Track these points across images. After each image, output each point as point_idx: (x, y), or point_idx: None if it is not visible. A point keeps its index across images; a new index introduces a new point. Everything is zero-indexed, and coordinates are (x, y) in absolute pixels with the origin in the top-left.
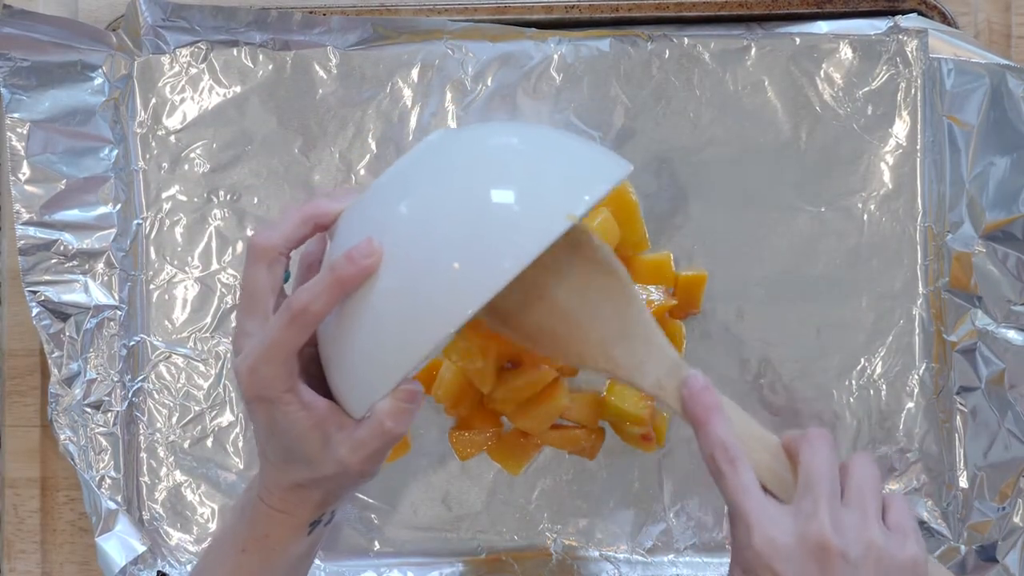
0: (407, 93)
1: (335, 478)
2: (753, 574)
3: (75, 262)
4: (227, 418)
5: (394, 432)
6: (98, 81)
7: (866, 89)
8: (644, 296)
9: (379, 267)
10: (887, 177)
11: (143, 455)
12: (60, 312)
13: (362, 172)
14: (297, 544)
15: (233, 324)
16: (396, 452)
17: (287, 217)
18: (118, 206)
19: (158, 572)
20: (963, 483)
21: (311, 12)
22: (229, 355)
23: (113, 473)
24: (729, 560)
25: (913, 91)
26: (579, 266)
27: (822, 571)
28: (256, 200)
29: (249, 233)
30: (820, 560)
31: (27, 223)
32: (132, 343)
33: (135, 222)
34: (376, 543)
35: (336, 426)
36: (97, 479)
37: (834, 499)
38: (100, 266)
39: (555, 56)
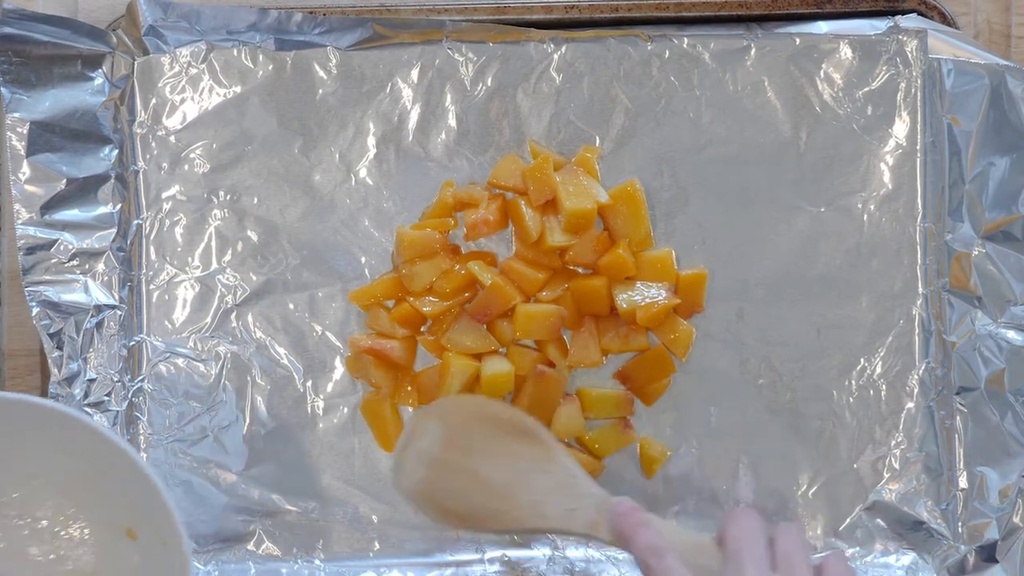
0: (407, 93)
1: None
2: None
3: (75, 262)
4: (227, 418)
5: None
6: (98, 81)
7: (866, 89)
8: (647, 296)
9: None
10: (887, 177)
11: (143, 455)
12: (60, 312)
13: (362, 172)
14: None
15: (233, 324)
16: None
17: None
18: (118, 206)
19: None
20: (963, 483)
21: (311, 12)
22: (229, 357)
23: None
24: None
25: (913, 91)
26: (503, 441)
27: None
28: (256, 200)
29: (249, 233)
30: None
31: (27, 223)
32: (132, 343)
33: (135, 222)
34: (376, 543)
35: None
36: None
37: (760, 564)
38: (100, 266)
39: (555, 56)
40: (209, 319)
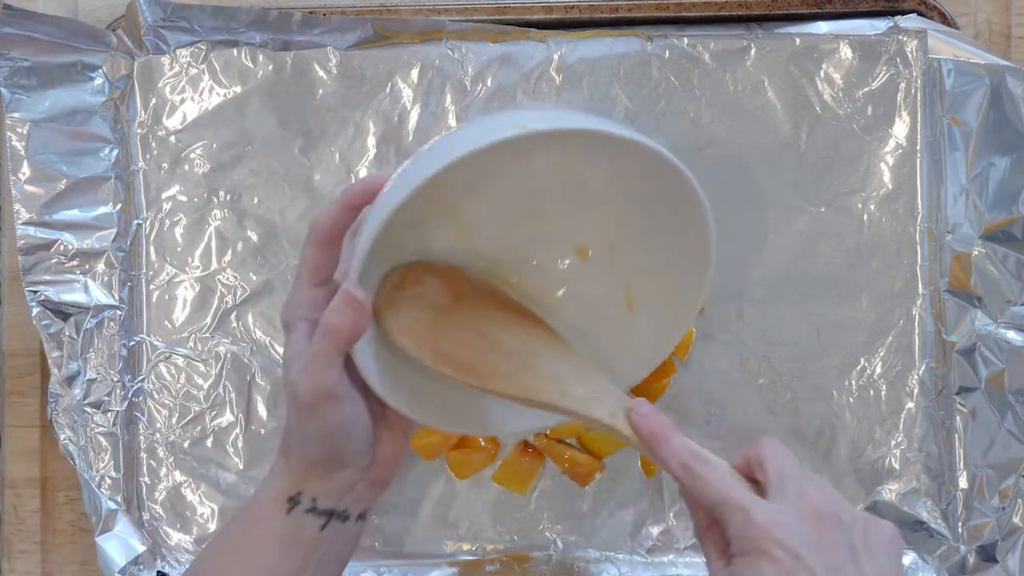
0: (407, 93)
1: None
2: (758, 553)
3: (75, 262)
4: (227, 418)
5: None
6: (98, 81)
7: (866, 89)
8: None
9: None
10: (887, 177)
11: (143, 455)
12: (60, 312)
13: (362, 172)
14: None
15: (233, 324)
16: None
17: (336, 200)
18: (118, 206)
19: (158, 572)
20: (963, 483)
21: (311, 12)
22: (229, 357)
23: (113, 473)
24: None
25: (913, 91)
26: (516, 317)
27: (821, 534)
28: (256, 200)
29: (249, 233)
30: (818, 525)
31: (27, 223)
32: (132, 343)
33: (135, 222)
34: (376, 543)
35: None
36: (97, 479)
37: (816, 493)
38: (100, 266)
39: (555, 56)
40: (209, 319)
